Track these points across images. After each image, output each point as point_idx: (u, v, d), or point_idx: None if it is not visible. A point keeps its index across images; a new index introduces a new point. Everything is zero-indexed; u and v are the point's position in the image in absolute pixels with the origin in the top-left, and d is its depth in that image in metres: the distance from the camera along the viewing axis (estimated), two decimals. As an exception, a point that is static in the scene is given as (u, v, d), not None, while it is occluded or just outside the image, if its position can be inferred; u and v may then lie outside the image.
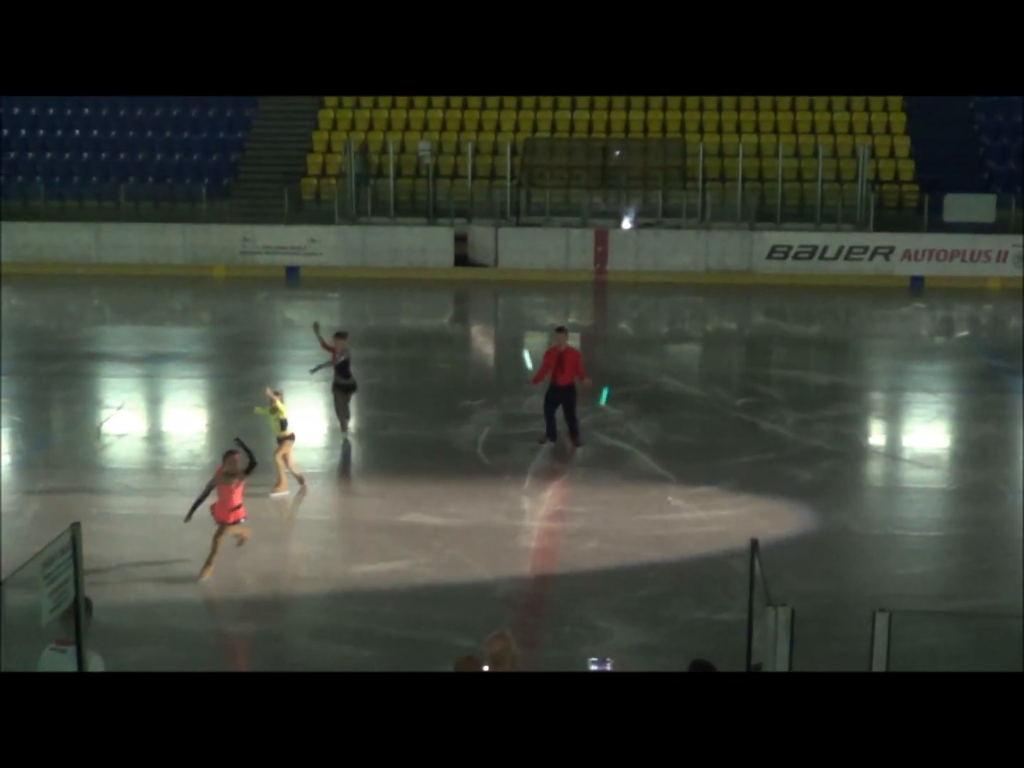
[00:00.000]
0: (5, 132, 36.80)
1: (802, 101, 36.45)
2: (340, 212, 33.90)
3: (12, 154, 36.34)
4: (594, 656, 8.10)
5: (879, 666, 5.27)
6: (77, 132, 37.21)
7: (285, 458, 14.88)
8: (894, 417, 20.23)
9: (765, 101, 36.44)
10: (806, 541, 13.61)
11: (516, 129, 36.39)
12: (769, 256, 32.70)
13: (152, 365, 22.61)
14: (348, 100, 37.42)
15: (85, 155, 36.52)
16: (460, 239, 33.13)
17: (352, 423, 17.34)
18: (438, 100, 36.97)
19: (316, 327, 17.50)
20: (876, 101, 36.03)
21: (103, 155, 36.46)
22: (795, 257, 32.61)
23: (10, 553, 10.22)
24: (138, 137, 36.93)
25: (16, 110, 37.21)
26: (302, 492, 15.01)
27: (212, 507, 12.40)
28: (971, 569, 13.06)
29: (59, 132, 37.22)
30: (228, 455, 12.44)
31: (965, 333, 28.41)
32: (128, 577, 12.29)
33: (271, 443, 15.02)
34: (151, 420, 19.61)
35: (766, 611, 5.83)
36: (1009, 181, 33.70)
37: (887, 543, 13.76)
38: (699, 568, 12.78)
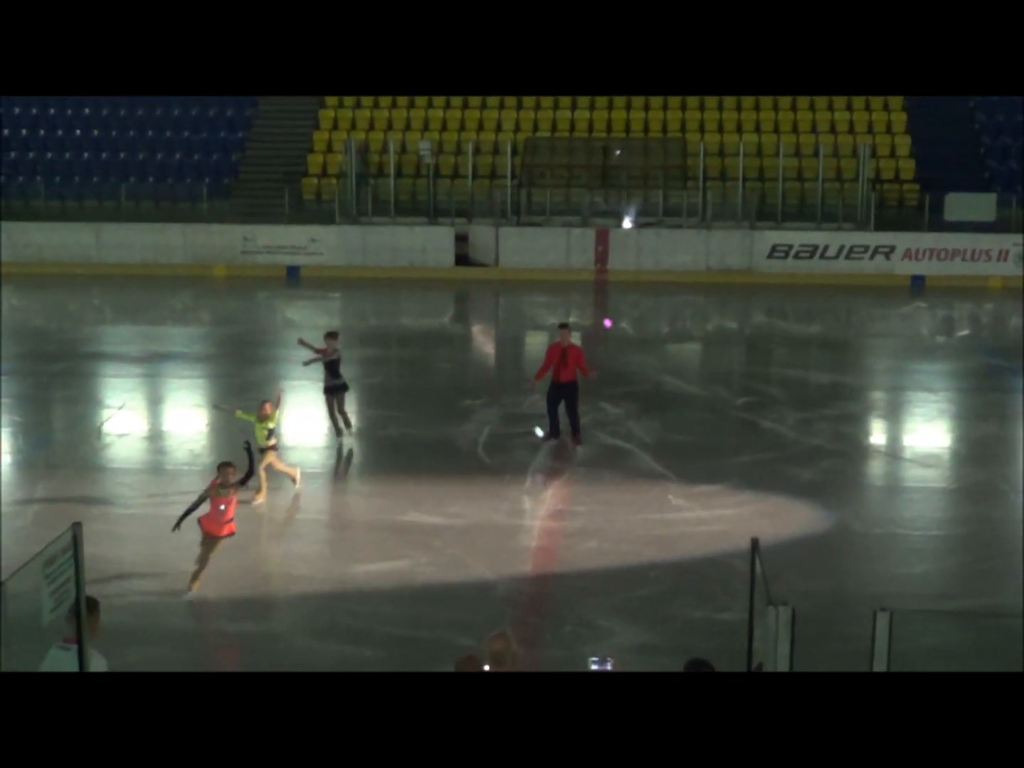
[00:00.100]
0: (5, 132, 36.80)
1: (803, 100, 36.43)
2: (341, 212, 33.89)
3: (13, 154, 36.34)
4: (594, 656, 8.10)
5: (880, 665, 5.28)
6: (78, 132, 37.22)
7: (270, 466, 14.69)
8: (895, 416, 20.23)
9: (766, 100, 36.43)
10: (807, 540, 13.62)
11: (517, 128, 36.38)
12: (770, 255, 32.69)
13: (153, 365, 22.61)
14: (348, 100, 37.41)
15: (86, 155, 36.51)
16: (461, 239, 33.12)
17: (352, 423, 17.31)
18: (438, 100, 36.96)
19: (300, 341, 17.58)
20: (877, 100, 36.00)
21: (104, 155, 36.46)
22: (796, 256, 32.60)
23: (11, 553, 10.22)
24: (138, 137, 36.93)
25: (16, 110, 37.20)
26: (296, 492, 14.98)
27: (200, 520, 12.09)
28: (972, 568, 13.06)
29: (60, 132, 37.22)
30: (223, 467, 12.20)
31: (966, 332, 28.40)
32: (128, 577, 12.29)
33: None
34: (152, 420, 19.61)
35: (767, 610, 5.83)
36: (1010, 180, 33.69)
37: (888, 542, 13.76)
38: (700, 567, 12.78)
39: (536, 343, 24.31)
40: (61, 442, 18.06)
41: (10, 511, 14.14)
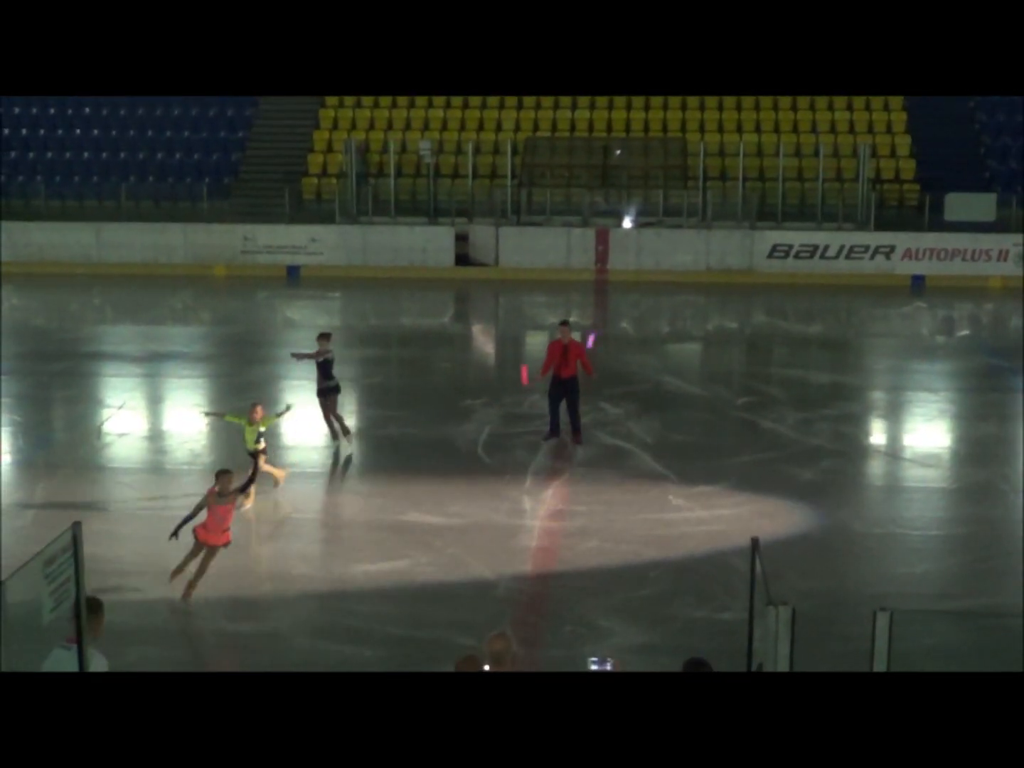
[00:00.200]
0: (6, 132, 36.80)
1: (803, 100, 36.43)
2: (341, 211, 33.89)
3: (13, 153, 36.34)
4: (594, 656, 8.10)
5: (880, 665, 5.27)
6: (78, 131, 37.22)
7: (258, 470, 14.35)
8: (895, 416, 20.23)
9: (766, 100, 36.43)
10: (807, 540, 13.62)
11: (517, 128, 36.38)
12: (770, 255, 32.69)
13: (153, 364, 22.61)
14: (349, 99, 37.41)
15: (86, 154, 36.51)
16: (461, 238, 33.13)
17: (350, 428, 17.22)
18: (439, 99, 36.95)
19: (294, 355, 17.38)
20: (877, 100, 36.00)
21: (104, 154, 36.46)
22: (796, 256, 32.60)
23: (11, 552, 10.21)
24: (139, 136, 36.93)
25: (17, 109, 37.20)
26: (277, 489, 14.85)
27: (197, 529, 11.87)
28: (972, 568, 13.06)
29: (60, 131, 37.22)
30: (221, 474, 12.02)
31: (966, 332, 28.40)
32: (128, 577, 12.29)
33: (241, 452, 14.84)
34: (152, 420, 19.61)
35: (767, 610, 5.83)
36: (1010, 180, 33.68)
37: (888, 542, 13.76)
38: (700, 567, 12.78)
39: (536, 343, 24.31)
40: (61, 442, 18.06)
41: (10, 511, 14.13)
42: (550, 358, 16.93)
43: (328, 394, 16.72)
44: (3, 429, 17.89)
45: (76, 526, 6.31)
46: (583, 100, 36.64)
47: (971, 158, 34.74)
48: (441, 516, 14.18)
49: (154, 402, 20.82)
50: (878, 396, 21.44)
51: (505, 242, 33.01)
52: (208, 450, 16.89)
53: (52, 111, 37.43)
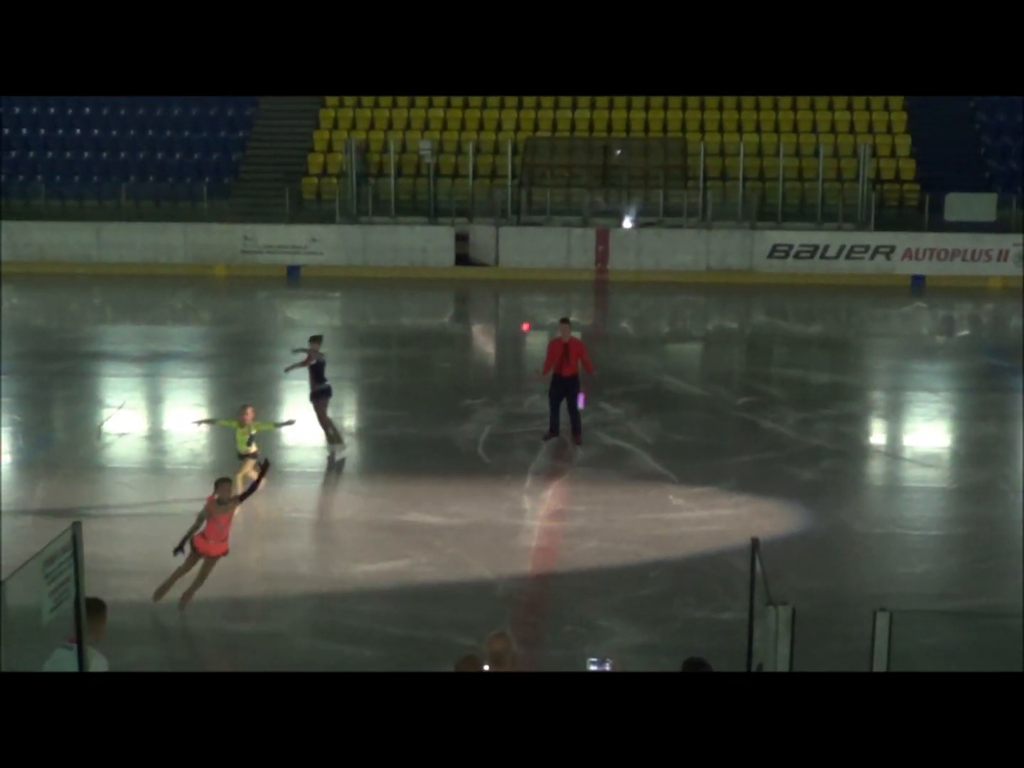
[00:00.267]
0: (6, 131, 36.80)
1: (803, 100, 36.43)
2: (341, 211, 33.90)
3: (13, 153, 36.35)
4: (593, 656, 8.10)
5: (880, 665, 5.27)
6: (78, 131, 37.22)
7: (245, 478, 14.17)
8: (895, 416, 20.23)
9: (766, 100, 36.43)
10: (807, 540, 13.62)
11: (517, 128, 36.38)
12: (770, 255, 32.70)
13: (153, 364, 22.62)
14: (349, 99, 37.41)
15: (86, 154, 36.51)
16: (461, 238, 33.13)
17: (352, 423, 17.24)
18: (439, 99, 36.95)
19: (288, 370, 17.08)
20: (877, 100, 36.00)
21: (104, 154, 36.46)
22: (796, 256, 32.60)
23: (11, 552, 10.21)
24: (139, 136, 36.94)
25: (17, 109, 37.20)
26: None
27: (195, 539, 11.58)
28: (972, 568, 13.06)
29: (60, 131, 37.23)
30: (221, 482, 11.79)
31: (966, 332, 28.40)
32: (128, 577, 12.28)
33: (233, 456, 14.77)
34: (152, 419, 19.61)
35: (767, 610, 5.83)
36: (1010, 180, 33.68)
37: (888, 542, 13.76)
38: (700, 567, 12.78)
39: (536, 343, 24.30)
40: (61, 441, 18.06)
41: (10, 510, 14.13)
42: (551, 357, 16.92)
43: (319, 397, 16.43)
44: (3, 429, 17.89)
45: (76, 526, 6.31)
46: (583, 100, 36.64)
47: (971, 158, 34.74)
48: (441, 516, 14.18)
49: (154, 402, 20.82)
50: (878, 396, 21.44)
51: (505, 242, 33.01)
52: (208, 450, 16.88)
53: (52, 111, 37.43)
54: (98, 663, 7.39)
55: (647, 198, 34.63)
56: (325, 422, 16.43)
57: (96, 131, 37.16)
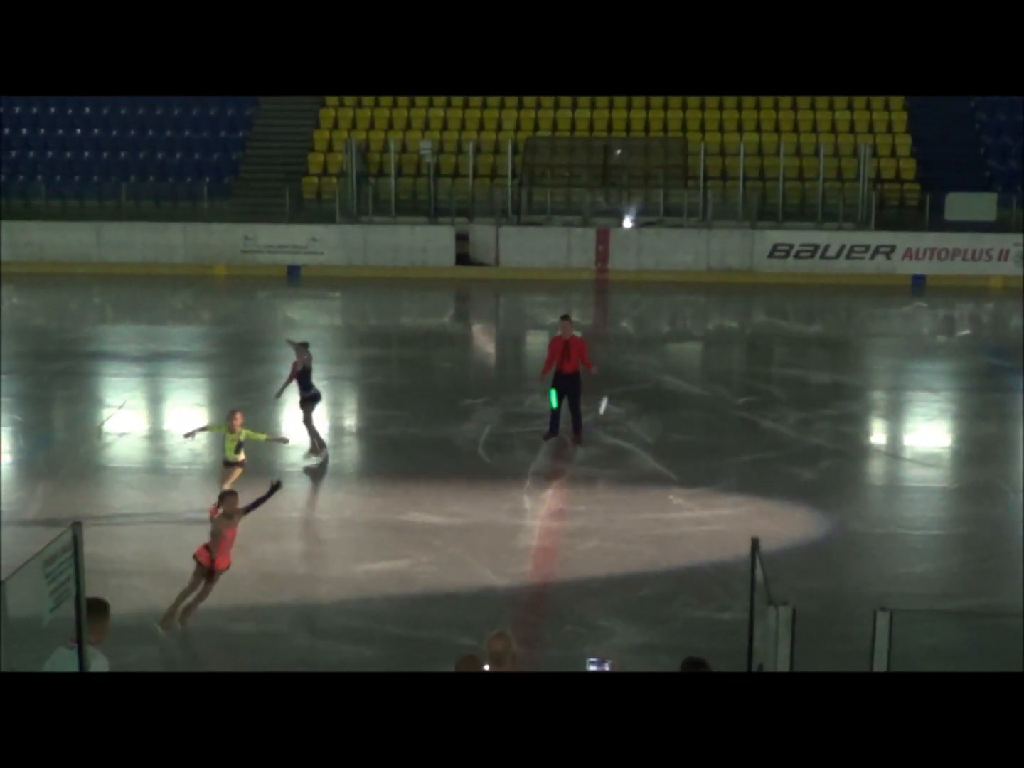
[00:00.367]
0: (6, 131, 36.80)
1: (803, 100, 36.43)
2: (341, 211, 33.90)
3: (13, 153, 36.35)
4: (593, 656, 8.10)
5: (880, 665, 5.27)
6: (78, 131, 37.22)
7: (232, 486, 13.59)
8: (895, 416, 20.23)
9: (766, 100, 36.43)
10: (807, 540, 13.62)
11: (517, 128, 36.38)
12: (770, 255, 32.70)
13: (153, 364, 22.62)
14: (349, 99, 37.41)
15: (86, 154, 36.52)
16: (461, 238, 33.13)
17: (352, 423, 17.22)
18: (439, 99, 36.95)
19: (278, 395, 16.90)
20: (877, 100, 36.01)
21: (104, 154, 36.46)
22: (796, 256, 32.60)
23: (11, 552, 10.21)
24: (139, 136, 36.94)
25: (17, 109, 37.21)
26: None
27: (200, 553, 11.32)
28: (972, 568, 13.06)
29: (60, 131, 37.23)
30: (226, 496, 11.57)
31: (966, 332, 28.41)
32: (128, 577, 12.29)
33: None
34: (152, 419, 19.61)
35: (767, 610, 5.83)
36: (1010, 180, 33.68)
37: (888, 542, 13.76)
38: (700, 567, 12.78)
39: (537, 343, 24.31)
40: (61, 441, 18.06)
41: (10, 510, 14.13)
42: (551, 355, 16.91)
43: (307, 404, 16.25)
44: (3, 428, 17.89)
45: (76, 526, 6.31)
46: (583, 100, 36.64)
47: (971, 158, 34.74)
48: (441, 516, 14.18)
49: (154, 402, 20.83)
50: (878, 396, 21.44)
51: (505, 242, 33.01)
52: (208, 450, 16.85)
53: (52, 110, 37.43)
54: (99, 663, 7.39)
55: (647, 198, 34.63)
56: (311, 429, 16.28)
57: (96, 131, 37.16)
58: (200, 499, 14.18)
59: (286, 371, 16.93)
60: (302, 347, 16.39)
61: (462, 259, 33.04)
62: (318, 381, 17.31)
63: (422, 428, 17.86)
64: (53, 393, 20.77)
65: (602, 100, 36.78)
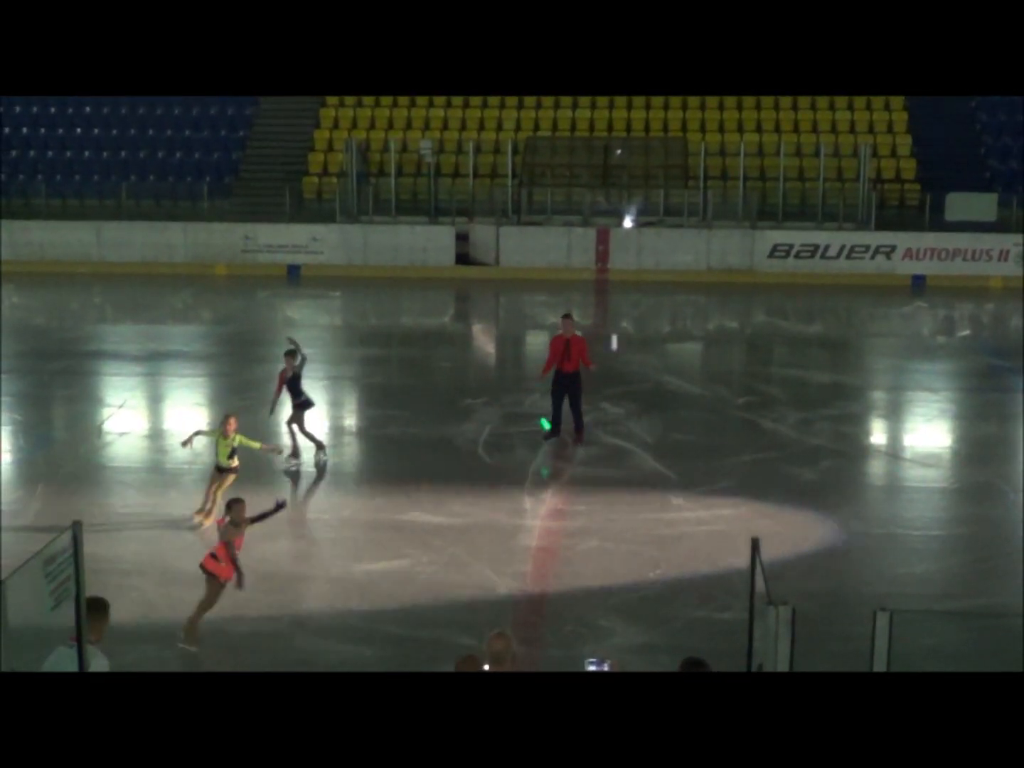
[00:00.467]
0: (6, 130, 36.79)
1: (804, 100, 36.43)
2: (341, 211, 33.89)
3: (14, 152, 36.34)
4: (592, 656, 8.10)
5: (880, 665, 5.27)
6: (79, 130, 37.22)
7: (224, 493, 13.64)
8: (895, 416, 20.23)
9: (767, 100, 36.42)
10: (807, 540, 13.61)
11: (518, 128, 36.38)
12: (771, 255, 32.69)
13: (153, 363, 22.62)
14: (350, 99, 37.40)
15: (86, 153, 36.52)
16: (461, 238, 33.12)
17: (353, 423, 17.21)
18: (439, 99, 36.94)
19: (271, 412, 16.45)
20: (878, 100, 36.00)
21: (104, 153, 36.46)
22: (797, 256, 32.60)
23: (11, 551, 10.21)
24: (139, 135, 36.93)
25: (17, 108, 37.20)
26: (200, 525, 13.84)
27: (207, 563, 11.14)
28: (972, 568, 13.06)
29: (60, 130, 37.22)
30: (233, 503, 11.31)
31: (966, 332, 28.40)
32: (128, 576, 12.29)
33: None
34: (152, 419, 19.62)
35: (767, 610, 5.83)
36: (1011, 180, 33.67)
37: (888, 542, 13.76)
38: (700, 567, 12.78)
39: (537, 342, 24.31)
40: (61, 441, 18.06)
41: (10, 509, 14.13)
42: (552, 354, 16.89)
43: (298, 410, 16.07)
44: (3, 428, 17.88)
45: (76, 525, 6.31)
46: (584, 100, 36.64)
47: (972, 158, 34.73)
48: (441, 516, 14.17)
49: (154, 401, 20.83)
50: (878, 396, 21.44)
51: (505, 241, 33.01)
52: (208, 450, 16.84)
53: (53, 110, 37.43)
54: (99, 663, 7.39)
55: (648, 198, 34.63)
56: (306, 433, 16.15)
57: (96, 130, 37.16)
58: (200, 499, 14.18)
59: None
60: (290, 355, 16.11)
61: (462, 259, 33.04)
62: (318, 381, 17.36)
63: (422, 428, 17.86)
64: (53, 392, 20.77)
65: (602, 100, 36.78)
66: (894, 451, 18.00)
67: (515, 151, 34.70)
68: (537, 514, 14.35)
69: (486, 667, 7.44)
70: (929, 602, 11.84)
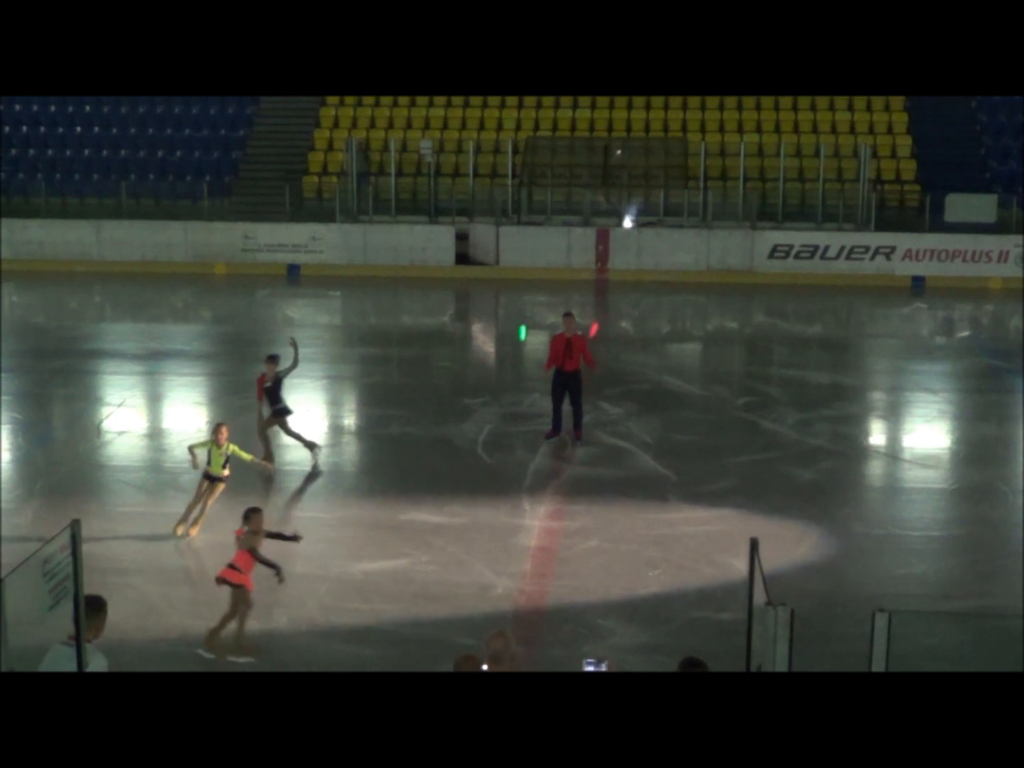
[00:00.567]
0: (6, 129, 36.78)
1: (804, 100, 36.43)
2: (341, 210, 33.89)
3: (13, 151, 36.34)
4: (590, 656, 8.10)
5: (879, 666, 5.27)
6: (78, 129, 37.21)
7: (209, 500, 13.64)
8: (895, 417, 20.23)
9: (767, 100, 36.43)
10: (806, 540, 13.61)
11: (518, 127, 36.39)
12: (770, 255, 32.69)
13: (153, 362, 22.62)
14: (350, 98, 37.40)
15: (86, 152, 36.51)
16: (461, 237, 33.12)
17: (353, 422, 17.20)
18: (439, 98, 36.93)
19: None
20: (878, 100, 36.00)
21: (104, 152, 36.46)
22: (796, 256, 32.59)
23: (10, 550, 10.20)
24: (139, 134, 36.93)
25: (17, 107, 37.20)
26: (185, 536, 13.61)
27: (226, 574, 11.03)
28: (971, 569, 13.06)
29: (60, 129, 37.22)
30: (251, 513, 11.18)
31: (966, 333, 28.40)
32: (128, 576, 12.28)
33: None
34: (151, 417, 19.61)
35: (766, 610, 5.83)
36: (1011, 181, 33.66)
37: (887, 543, 13.75)
38: (699, 567, 12.78)
39: (537, 342, 24.30)
40: (61, 439, 18.06)
41: (10, 508, 14.13)
42: (553, 352, 16.88)
43: (279, 415, 15.84)
44: (3, 426, 17.88)
45: (75, 524, 6.31)
46: (584, 100, 36.65)
47: (972, 159, 34.73)
48: (441, 515, 14.17)
49: (154, 400, 20.82)
50: (878, 397, 21.43)
51: (505, 241, 33.00)
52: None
53: (53, 109, 37.43)
54: (98, 662, 7.38)
55: (647, 198, 34.63)
56: (295, 434, 15.99)
57: (96, 129, 37.15)
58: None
59: (283, 372, 16.85)
60: (272, 360, 15.85)
61: (462, 258, 33.03)
62: (317, 381, 17.32)
63: (421, 428, 17.86)
64: (52, 391, 20.76)
65: (602, 100, 36.77)
66: (893, 452, 18.00)
67: (515, 151, 34.70)
68: (536, 514, 14.35)
69: (485, 667, 7.44)
70: (928, 603, 11.84)
